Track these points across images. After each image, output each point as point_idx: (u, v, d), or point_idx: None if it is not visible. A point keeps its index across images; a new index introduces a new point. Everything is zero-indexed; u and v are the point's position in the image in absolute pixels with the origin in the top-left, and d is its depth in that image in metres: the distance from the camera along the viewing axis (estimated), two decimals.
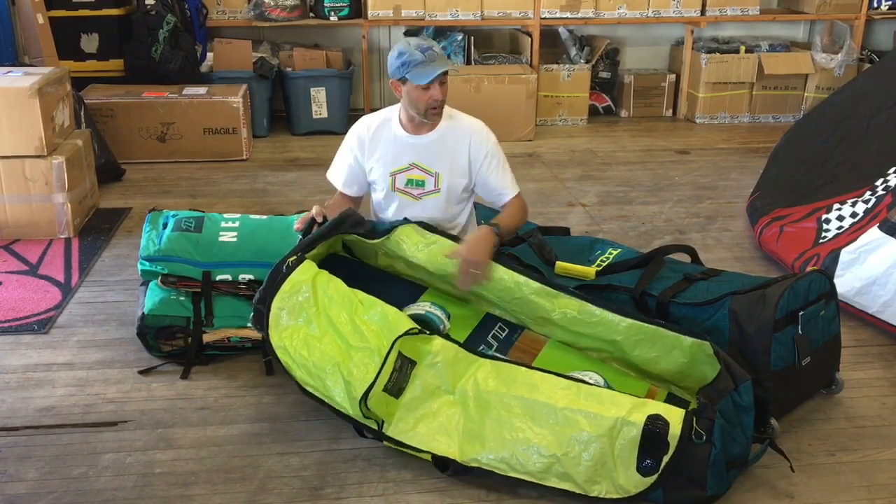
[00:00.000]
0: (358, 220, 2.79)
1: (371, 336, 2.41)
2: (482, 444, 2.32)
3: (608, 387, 2.48)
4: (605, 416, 2.25)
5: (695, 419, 2.22)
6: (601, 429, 2.24)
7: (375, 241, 2.80)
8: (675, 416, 2.24)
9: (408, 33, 6.27)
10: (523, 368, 2.46)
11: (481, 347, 2.66)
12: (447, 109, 2.89)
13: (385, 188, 2.93)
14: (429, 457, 2.37)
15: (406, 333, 2.40)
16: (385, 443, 2.43)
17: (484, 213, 3.23)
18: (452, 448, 2.35)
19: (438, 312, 2.73)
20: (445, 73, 2.77)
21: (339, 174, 3.03)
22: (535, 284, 2.70)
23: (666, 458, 2.21)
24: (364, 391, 2.32)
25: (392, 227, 2.81)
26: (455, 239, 2.81)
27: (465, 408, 2.39)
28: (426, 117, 2.83)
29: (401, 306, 2.60)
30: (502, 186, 2.92)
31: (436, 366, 2.44)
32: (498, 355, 2.61)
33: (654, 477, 2.22)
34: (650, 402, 2.31)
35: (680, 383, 2.61)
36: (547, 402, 2.32)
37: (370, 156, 2.93)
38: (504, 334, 2.77)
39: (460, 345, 2.53)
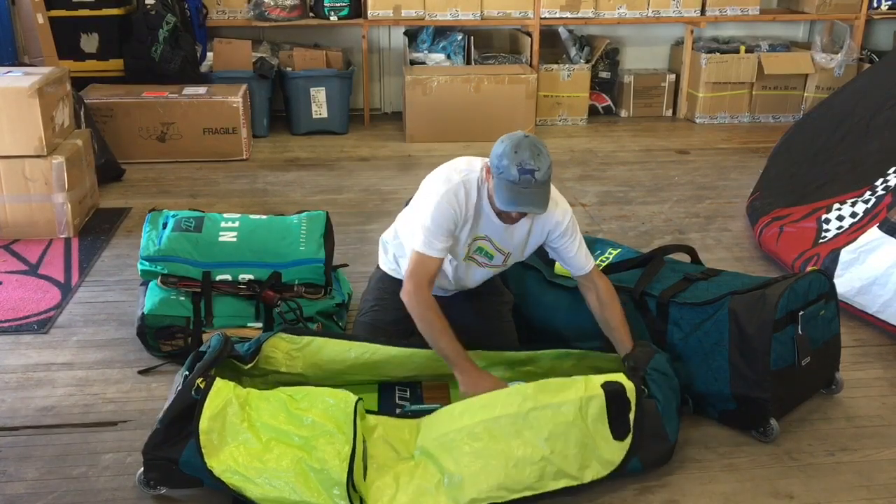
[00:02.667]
0: (232, 345, 2.51)
1: (322, 419, 2.21)
2: (472, 482, 2.22)
3: None
4: (568, 401, 2.29)
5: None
6: (571, 414, 2.27)
7: (248, 366, 2.55)
8: (620, 377, 2.38)
9: (407, 33, 6.28)
10: (465, 400, 2.40)
11: (398, 411, 2.58)
12: None
13: (459, 257, 2.69)
14: None
15: (358, 400, 2.25)
16: None
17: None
18: (442, 501, 2.21)
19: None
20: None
21: (441, 248, 2.56)
22: (425, 352, 2.66)
23: (632, 415, 2.33)
24: (347, 469, 2.12)
25: (257, 343, 2.58)
26: (313, 331, 2.71)
27: (434, 460, 2.27)
28: (500, 218, 2.58)
29: None
30: (580, 263, 2.68)
31: (382, 438, 2.34)
32: (421, 406, 2.55)
33: (630, 436, 2.32)
34: (593, 377, 2.37)
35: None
36: (510, 413, 2.28)
37: (462, 230, 2.61)
38: (408, 393, 2.69)
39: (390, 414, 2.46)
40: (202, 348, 2.50)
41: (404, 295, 2.58)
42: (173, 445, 2.21)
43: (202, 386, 2.24)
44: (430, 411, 2.45)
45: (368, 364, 2.66)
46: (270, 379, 2.62)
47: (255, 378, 2.61)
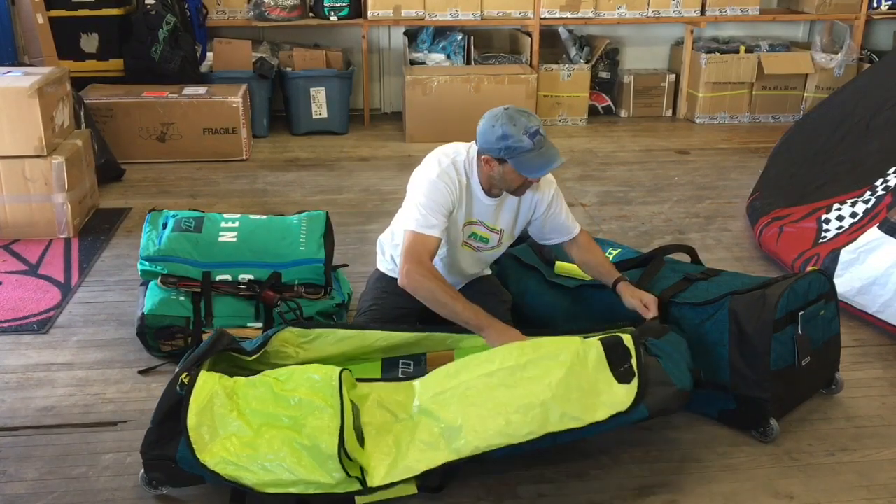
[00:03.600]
0: (231, 339, 2.50)
1: (309, 396, 2.21)
2: (472, 431, 2.21)
3: None
4: (565, 351, 2.30)
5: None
6: (568, 361, 2.27)
7: (252, 357, 2.53)
8: (618, 333, 2.41)
9: (407, 33, 6.28)
10: (461, 359, 2.40)
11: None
12: None
13: (456, 243, 2.73)
14: (414, 489, 2.23)
15: (342, 371, 2.25)
16: (377, 495, 2.20)
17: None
18: (445, 453, 2.20)
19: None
20: None
21: (438, 227, 2.57)
22: (437, 335, 2.68)
23: (633, 361, 2.32)
24: (337, 439, 2.11)
25: (265, 338, 2.58)
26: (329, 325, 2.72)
27: (433, 416, 2.26)
28: (514, 193, 2.64)
29: None
30: (567, 227, 2.80)
31: (377, 403, 2.32)
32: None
33: (636, 378, 2.29)
34: (590, 338, 2.40)
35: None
36: (508, 366, 2.28)
37: (457, 213, 2.66)
38: (412, 366, 2.66)
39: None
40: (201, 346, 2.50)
41: (403, 277, 2.53)
42: (168, 442, 2.20)
43: (186, 381, 2.23)
44: None
45: (381, 349, 2.68)
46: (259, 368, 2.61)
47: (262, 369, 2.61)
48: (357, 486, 2.15)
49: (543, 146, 2.49)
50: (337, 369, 2.25)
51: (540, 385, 2.24)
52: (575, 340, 2.35)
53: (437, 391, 2.31)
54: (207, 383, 2.24)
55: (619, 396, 2.28)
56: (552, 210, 2.75)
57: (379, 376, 2.64)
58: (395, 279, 2.88)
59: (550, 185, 2.74)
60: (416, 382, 2.39)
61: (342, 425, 2.14)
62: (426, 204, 2.55)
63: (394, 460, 2.20)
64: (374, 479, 2.17)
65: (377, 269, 2.99)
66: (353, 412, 2.22)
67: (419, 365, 2.68)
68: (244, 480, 2.15)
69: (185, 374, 2.25)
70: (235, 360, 2.53)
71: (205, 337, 2.89)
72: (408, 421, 2.29)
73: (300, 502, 2.17)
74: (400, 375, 2.61)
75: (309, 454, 2.14)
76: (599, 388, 2.28)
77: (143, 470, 2.26)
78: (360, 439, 2.22)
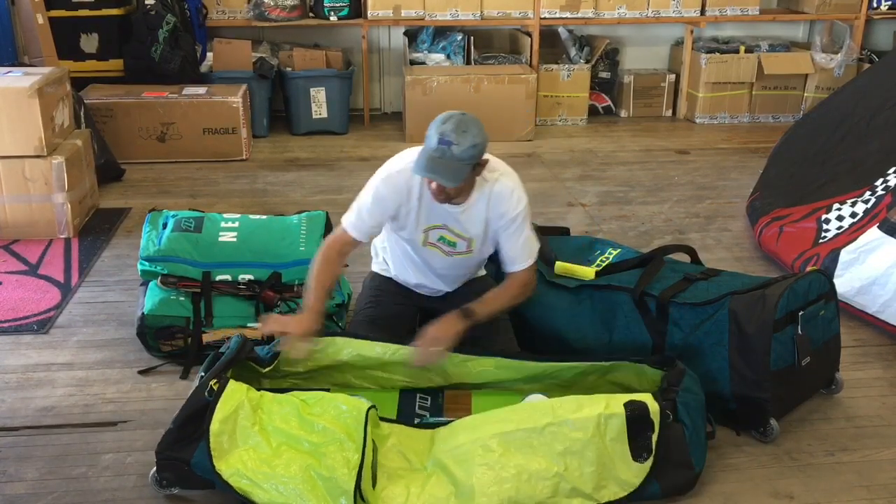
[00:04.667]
0: (251, 347, 2.54)
1: (333, 426, 2.20)
2: (483, 494, 2.19)
3: None
4: (587, 417, 2.24)
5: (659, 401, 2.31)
6: (588, 431, 2.23)
7: (266, 370, 2.57)
8: (646, 398, 2.30)
9: (407, 33, 6.28)
10: (482, 413, 2.39)
11: (417, 421, 2.52)
12: (488, 167, 2.58)
13: (416, 244, 2.71)
14: None
15: (370, 408, 2.23)
16: None
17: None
18: None
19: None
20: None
21: (362, 228, 2.65)
22: (448, 355, 2.67)
23: (654, 437, 2.26)
24: (355, 477, 2.11)
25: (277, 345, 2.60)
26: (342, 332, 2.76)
27: (447, 472, 2.24)
28: (434, 197, 2.57)
29: None
30: (512, 257, 2.69)
31: (395, 448, 2.31)
32: (440, 419, 2.51)
33: (651, 458, 2.25)
34: (618, 396, 2.33)
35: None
36: (526, 427, 2.25)
37: (406, 217, 2.65)
38: (429, 401, 2.67)
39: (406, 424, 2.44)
40: (221, 349, 2.50)
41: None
42: (186, 446, 2.21)
43: (215, 388, 2.24)
44: (448, 423, 2.42)
45: (389, 363, 2.66)
46: (289, 380, 2.63)
47: (275, 379, 2.61)
48: None
49: (442, 157, 2.40)
50: (366, 404, 2.24)
51: (554, 454, 2.22)
52: (599, 404, 2.27)
53: (454, 444, 2.29)
54: (236, 393, 2.25)
55: (632, 474, 2.25)
56: (509, 230, 2.64)
57: (396, 407, 2.63)
58: (389, 277, 2.90)
59: (520, 204, 2.62)
60: (436, 433, 2.37)
61: (362, 463, 2.13)
62: (367, 208, 2.62)
63: None
64: None
65: (371, 271, 3.01)
66: (372, 451, 2.21)
67: (436, 401, 2.67)
68: (255, 497, 2.15)
69: (215, 380, 2.26)
70: (250, 368, 2.53)
71: (205, 337, 2.91)
72: (422, 471, 2.28)
73: None
74: (417, 411, 2.60)
75: (324, 484, 2.13)
76: (615, 463, 2.25)
77: (154, 469, 2.27)
78: (374, 480, 2.21)
